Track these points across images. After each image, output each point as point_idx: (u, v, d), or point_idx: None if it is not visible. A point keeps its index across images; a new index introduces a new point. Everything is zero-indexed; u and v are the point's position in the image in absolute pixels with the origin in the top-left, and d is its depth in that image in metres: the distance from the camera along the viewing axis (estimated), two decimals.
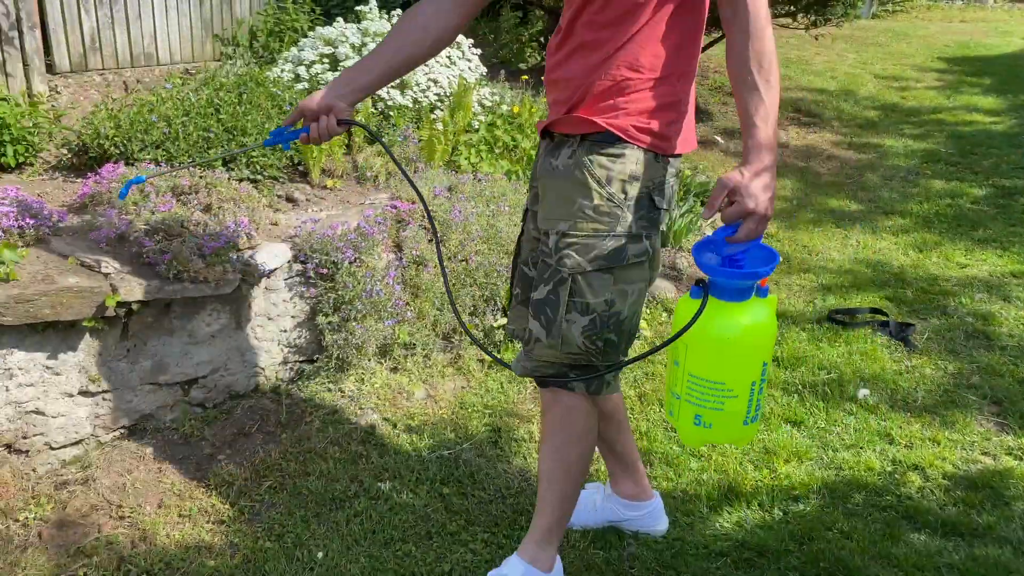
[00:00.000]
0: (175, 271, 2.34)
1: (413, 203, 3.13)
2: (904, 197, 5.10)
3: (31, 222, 2.30)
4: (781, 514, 2.33)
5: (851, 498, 2.39)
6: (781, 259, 1.54)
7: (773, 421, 2.75)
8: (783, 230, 4.49)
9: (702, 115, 5.98)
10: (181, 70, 4.49)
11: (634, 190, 1.69)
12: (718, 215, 1.58)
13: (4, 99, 3.13)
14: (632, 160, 1.69)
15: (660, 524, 2.23)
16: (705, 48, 6.69)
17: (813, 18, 5.67)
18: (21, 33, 3.78)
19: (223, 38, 4.63)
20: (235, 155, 2.93)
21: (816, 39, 6.31)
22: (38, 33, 3.87)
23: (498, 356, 1.98)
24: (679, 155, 1.77)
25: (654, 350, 1.73)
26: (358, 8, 4.34)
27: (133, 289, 2.29)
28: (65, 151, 3.21)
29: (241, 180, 3.01)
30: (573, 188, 1.71)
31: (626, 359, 1.83)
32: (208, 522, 2.24)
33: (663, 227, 1.82)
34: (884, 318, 3.45)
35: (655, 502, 2.22)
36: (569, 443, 1.89)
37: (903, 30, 11.09)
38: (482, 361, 3.02)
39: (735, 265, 1.59)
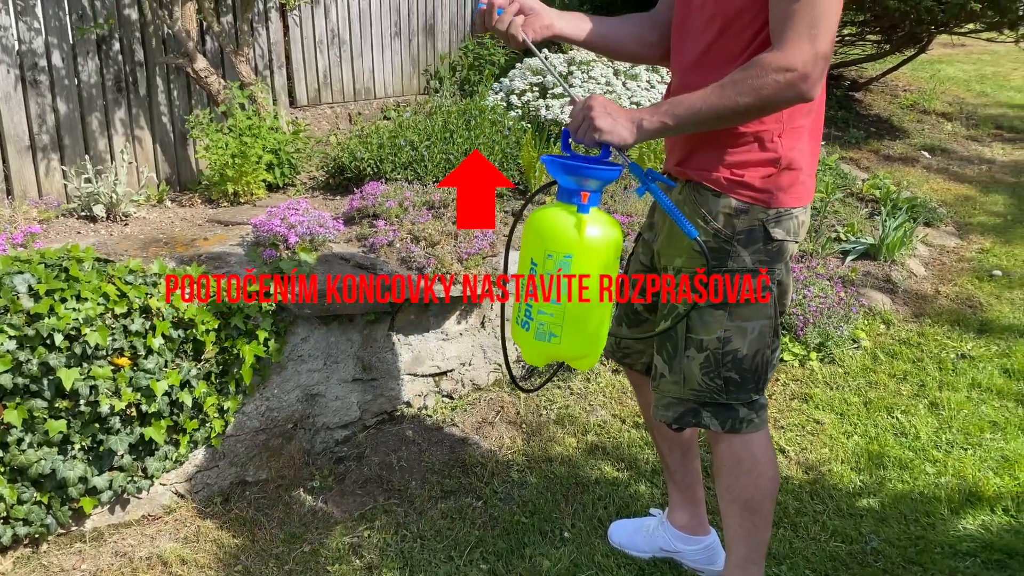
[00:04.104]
0: (439, 274, 2.62)
1: (630, 216, 3.32)
2: None
3: (320, 230, 2.66)
4: None
5: None
6: (620, 174, 1.61)
7: (1010, 431, 2.71)
8: (999, 245, 4.34)
9: (898, 132, 5.85)
10: (393, 103, 4.93)
11: (743, 223, 1.65)
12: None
13: (274, 128, 3.59)
14: (732, 202, 1.66)
15: (718, 563, 2.13)
16: (891, 70, 6.55)
17: (1022, 31, 5.47)
18: (272, 72, 4.32)
19: (429, 73, 5.05)
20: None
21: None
22: (284, 71, 4.41)
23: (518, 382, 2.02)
24: (788, 208, 1.67)
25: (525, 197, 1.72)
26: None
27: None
28: (321, 172, 3.64)
29: None
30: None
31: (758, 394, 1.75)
32: (468, 497, 2.49)
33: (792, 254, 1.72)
34: None
35: (711, 539, 2.14)
36: (739, 479, 1.82)
37: None
38: None
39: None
